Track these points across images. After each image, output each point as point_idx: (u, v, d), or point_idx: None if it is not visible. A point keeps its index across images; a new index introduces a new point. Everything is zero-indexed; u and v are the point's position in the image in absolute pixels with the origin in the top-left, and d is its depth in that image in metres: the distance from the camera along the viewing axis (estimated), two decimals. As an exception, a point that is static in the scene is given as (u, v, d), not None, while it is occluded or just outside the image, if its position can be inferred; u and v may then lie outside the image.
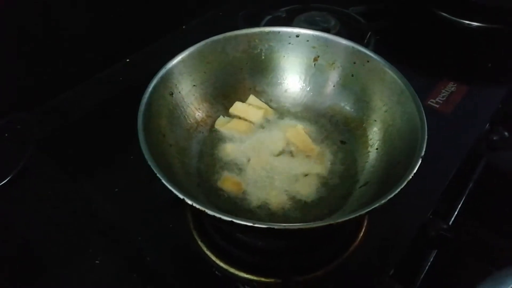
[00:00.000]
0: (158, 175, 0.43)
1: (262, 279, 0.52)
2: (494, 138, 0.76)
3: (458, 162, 0.66)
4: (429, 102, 0.75)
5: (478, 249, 0.74)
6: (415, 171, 0.43)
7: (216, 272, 0.53)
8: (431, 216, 0.61)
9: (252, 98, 0.64)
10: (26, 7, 0.68)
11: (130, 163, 0.62)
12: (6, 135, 0.70)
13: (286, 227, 0.39)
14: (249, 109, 0.63)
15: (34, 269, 0.55)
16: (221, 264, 0.53)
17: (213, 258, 0.53)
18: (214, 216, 0.39)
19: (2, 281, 0.54)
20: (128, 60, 0.86)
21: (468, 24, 0.89)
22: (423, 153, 0.44)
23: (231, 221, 0.39)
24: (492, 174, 0.77)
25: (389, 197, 0.41)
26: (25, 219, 0.60)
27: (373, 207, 0.40)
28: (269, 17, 0.89)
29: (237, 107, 0.63)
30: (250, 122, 0.62)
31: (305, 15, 0.85)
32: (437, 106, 0.75)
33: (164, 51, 0.83)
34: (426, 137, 0.46)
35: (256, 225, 0.38)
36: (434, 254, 0.65)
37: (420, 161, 0.44)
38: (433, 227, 0.61)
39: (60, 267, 0.55)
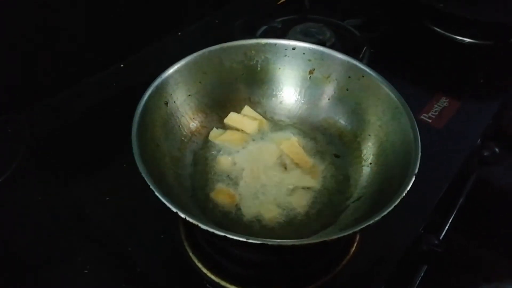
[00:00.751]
0: (151, 187, 0.42)
1: (253, 292, 0.52)
2: (485, 153, 0.77)
3: (450, 177, 0.66)
4: (422, 117, 0.76)
5: (469, 264, 0.75)
6: (408, 188, 0.43)
7: (208, 286, 0.53)
8: (422, 231, 0.61)
9: (247, 109, 0.64)
10: (21, 8, 0.67)
11: (123, 170, 0.62)
12: (-4, 138, 0.69)
13: (280, 243, 0.39)
14: (244, 120, 0.63)
15: (20, 276, 0.54)
16: (213, 277, 0.52)
17: (204, 270, 0.53)
18: (207, 230, 0.39)
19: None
20: (122, 64, 0.85)
21: (461, 40, 0.90)
22: (416, 171, 0.45)
23: (225, 236, 0.38)
24: (483, 189, 0.78)
25: (382, 215, 0.41)
26: (14, 223, 0.59)
27: (366, 224, 0.40)
28: (265, 27, 0.89)
29: (232, 118, 0.63)
30: (245, 133, 0.62)
31: (301, 27, 0.85)
32: (430, 120, 0.75)
33: (159, 56, 0.83)
34: (419, 154, 0.47)
35: (249, 241, 0.38)
36: (425, 269, 0.65)
37: (413, 179, 0.44)
38: (424, 242, 0.61)
39: (48, 275, 0.54)
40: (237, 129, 0.62)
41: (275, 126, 0.64)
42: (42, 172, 0.65)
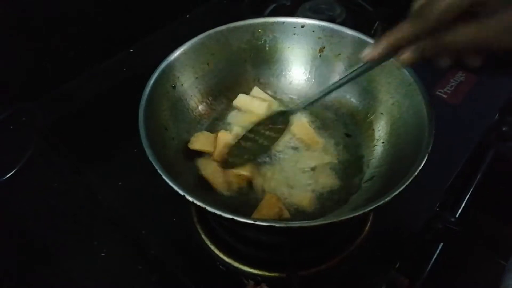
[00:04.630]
0: (158, 170, 0.42)
1: (266, 273, 0.52)
2: (504, 128, 0.75)
3: (466, 154, 0.65)
4: (437, 92, 0.73)
5: (486, 241, 0.74)
6: (421, 167, 0.42)
7: (220, 266, 0.53)
8: (438, 209, 0.60)
9: (256, 90, 0.63)
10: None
11: (134, 155, 0.61)
12: (11, 127, 0.70)
13: (287, 225, 0.39)
14: (253, 101, 0.62)
15: (39, 260, 0.56)
16: (225, 258, 0.53)
17: (217, 252, 0.53)
18: (214, 213, 0.39)
19: (8, 271, 0.55)
20: (131, 49, 0.85)
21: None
22: (429, 149, 0.44)
23: (232, 218, 0.38)
24: (501, 165, 0.76)
25: (393, 194, 0.40)
26: (31, 210, 0.60)
27: (377, 204, 0.39)
28: (273, 5, 0.87)
29: (241, 100, 0.62)
30: (255, 114, 0.61)
31: (310, 3, 0.83)
32: (445, 96, 0.73)
33: (168, 40, 0.82)
34: (433, 132, 0.45)
35: (257, 223, 0.38)
36: (440, 247, 0.65)
37: (426, 158, 0.43)
38: (440, 220, 0.60)
39: (66, 258, 0.56)
40: (247, 111, 0.62)
41: (285, 107, 0.63)
42: (56, 159, 0.66)
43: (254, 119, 0.58)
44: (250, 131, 0.56)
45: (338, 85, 0.52)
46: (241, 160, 0.54)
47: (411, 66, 0.49)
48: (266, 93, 0.64)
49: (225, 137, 0.56)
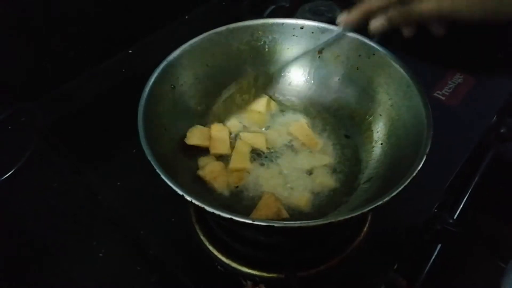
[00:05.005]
0: (157, 170, 0.42)
1: (265, 274, 0.52)
2: (502, 130, 0.75)
3: (465, 155, 0.65)
4: (435, 94, 0.73)
5: (484, 242, 0.74)
6: (419, 168, 0.42)
7: (219, 267, 0.53)
8: (436, 210, 0.60)
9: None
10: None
11: (134, 155, 0.62)
12: (10, 127, 0.70)
13: (286, 225, 0.39)
14: None
15: (37, 260, 0.56)
16: (223, 258, 0.53)
17: (215, 252, 0.54)
18: (213, 212, 0.39)
19: (7, 271, 0.55)
20: (131, 50, 0.85)
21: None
22: (427, 151, 0.44)
23: (230, 218, 0.39)
24: (499, 166, 0.76)
25: (392, 195, 0.40)
26: (30, 210, 0.60)
27: (375, 205, 0.40)
28: (273, 6, 0.87)
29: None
30: (258, 112, 0.62)
31: (310, 5, 0.83)
32: (443, 98, 0.73)
33: (167, 40, 0.82)
34: (431, 133, 0.45)
35: (255, 223, 0.38)
36: (438, 248, 0.65)
37: (424, 159, 0.43)
38: (438, 221, 0.60)
39: (65, 258, 0.56)
40: (248, 110, 0.62)
41: (284, 108, 0.63)
42: (55, 160, 0.66)
43: (255, 116, 0.59)
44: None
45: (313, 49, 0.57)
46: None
47: (380, 34, 0.54)
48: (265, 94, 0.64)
49: (219, 129, 0.58)
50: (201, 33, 0.59)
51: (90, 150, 0.68)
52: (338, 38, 0.55)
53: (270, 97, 0.64)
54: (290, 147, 0.59)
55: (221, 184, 0.54)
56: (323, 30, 0.60)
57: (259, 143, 0.58)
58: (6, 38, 0.68)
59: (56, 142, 0.68)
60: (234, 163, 0.55)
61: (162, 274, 0.54)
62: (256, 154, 0.58)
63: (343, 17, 0.55)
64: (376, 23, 0.52)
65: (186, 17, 0.93)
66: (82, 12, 0.76)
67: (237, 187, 0.54)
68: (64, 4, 0.72)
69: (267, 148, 0.58)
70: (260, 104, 0.62)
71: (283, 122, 0.61)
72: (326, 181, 0.54)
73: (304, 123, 0.60)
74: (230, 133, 0.59)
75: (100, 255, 0.55)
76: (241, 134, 0.59)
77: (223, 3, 0.97)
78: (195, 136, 0.57)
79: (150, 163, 0.43)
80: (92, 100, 0.75)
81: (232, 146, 0.58)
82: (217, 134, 0.58)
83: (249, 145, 0.57)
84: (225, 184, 0.54)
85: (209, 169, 0.54)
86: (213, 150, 0.57)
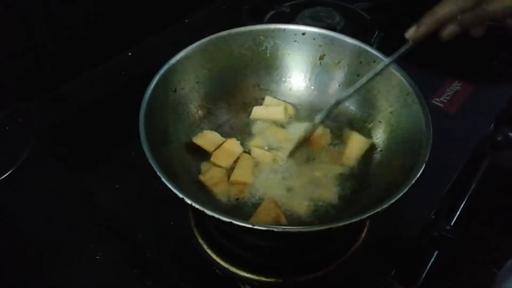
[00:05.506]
0: (158, 173, 0.42)
1: (263, 278, 0.52)
2: (498, 138, 0.75)
3: (462, 162, 0.65)
4: (433, 101, 0.74)
5: (481, 249, 0.74)
6: (418, 176, 0.43)
7: (217, 271, 0.53)
8: (433, 217, 0.61)
9: (268, 99, 0.64)
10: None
11: (132, 158, 0.61)
12: (7, 128, 0.70)
13: (285, 229, 0.39)
14: (268, 109, 0.62)
15: (34, 262, 0.55)
16: (222, 262, 0.53)
17: (214, 256, 0.53)
18: (213, 216, 0.39)
19: (1, 273, 0.55)
20: (130, 53, 0.85)
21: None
22: (427, 159, 0.44)
23: (230, 222, 0.39)
24: (495, 174, 0.77)
25: (390, 202, 0.40)
26: (27, 212, 0.60)
27: (374, 211, 0.40)
28: (272, 12, 0.88)
29: (257, 112, 0.63)
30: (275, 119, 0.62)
31: (309, 11, 0.83)
32: (442, 105, 0.74)
33: (167, 44, 0.83)
34: (431, 142, 0.46)
35: (255, 227, 0.38)
36: (435, 255, 0.65)
37: (424, 167, 0.43)
38: (435, 227, 0.61)
39: (60, 261, 0.55)
40: (266, 120, 0.62)
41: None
42: (52, 161, 0.66)
43: (274, 126, 0.60)
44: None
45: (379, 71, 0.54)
46: None
47: (452, 40, 0.51)
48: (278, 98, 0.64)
49: (233, 145, 0.58)
50: (201, 37, 0.59)
51: (88, 152, 0.67)
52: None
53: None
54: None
55: (221, 191, 0.54)
56: (325, 36, 0.60)
57: (266, 161, 0.58)
58: (5, 38, 0.68)
59: (53, 143, 0.68)
60: (236, 176, 0.55)
61: (159, 278, 0.53)
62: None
63: (413, 32, 0.51)
64: (450, 30, 0.49)
65: (186, 20, 0.93)
66: (82, 13, 0.76)
67: (238, 199, 0.54)
68: (64, 5, 0.72)
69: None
70: (279, 112, 0.62)
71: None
72: (326, 188, 0.55)
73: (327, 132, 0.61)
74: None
75: (97, 257, 0.55)
76: (252, 148, 0.59)
77: (223, 7, 0.97)
78: (203, 138, 0.57)
79: (150, 166, 0.43)
80: (90, 102, 0.75)
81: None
82: (228, 148, 0.57)
83: (254, 159, 0.57)
84: (225, 192, 0.54)
85: (210, 174, 0.54)
86: (213, 159, 0.56)
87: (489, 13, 0.47)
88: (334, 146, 0.59)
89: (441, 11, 0.49)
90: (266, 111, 0.62)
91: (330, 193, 0.54)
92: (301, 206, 0.53)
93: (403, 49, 0.52)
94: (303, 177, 0.56)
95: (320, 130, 0.60)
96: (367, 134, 0.58)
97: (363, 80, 0.54)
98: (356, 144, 0.57)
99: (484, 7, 0.47)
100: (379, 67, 0.54)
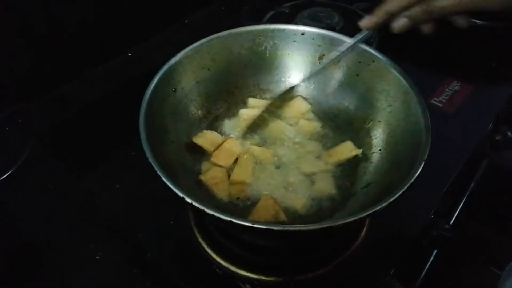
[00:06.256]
0: (158, 172, 0.42)
1: (263, 277, 0.52)
2: (497, 138, 0.76)
3: (461, 162, 0.66)
4: (432, 101, 0.74)
5: (479, 249, 0.75)
6: (417, 174, 0.43)
7: (217, 270, 0.53)
8: (432, 216, 0.61)
9: (252, 101, 0.64)
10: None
11: (132, 158, 0.62)
12: (7, 128, 0.70)
13: (285, 228, 0.39)
14: (253, 111, 0.62)
15: (34, 262, 0.56)
16: (222, 262, 0.53)
17: (214, 255, 0.54)
18: (213, 215, 0.39)
19: (2, 274, 0.55)
20: (130, 53, 0.85)
21: (473, 22, 0.88)
22: (426, 157, 0.44)
23: (230, 220, 0.39)
24: (494, 173, 0.77)
25: (389, 201, 0.40)
26: (27, 212, 0.60)
27: (373, 210, 0.40)
28: (272, 12, 0.88)
29: (243, 113, 0.62)
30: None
31: (309, 11, 0.84)
32: (441, 105, 0.74)
33: (166, 44, 0.83)
34: (429, 141, 0.46)
35: (255, 226, 0.38)
36: (435, 254, 0.65)
37: (422, 165, 0.43)
38: (434, 227, 0.61)
39: (60, 261, 0.56)
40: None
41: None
42: (52, 161, 0.66)
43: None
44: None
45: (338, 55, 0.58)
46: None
47: (403, 33, 0.56)
48: (265, 99, 0.64)
49: (233, 144, 0.58)
50: (200, 37, 0.59)
51: (88, 152, 0.67)
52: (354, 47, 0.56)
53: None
54: (295, 150, 0.59)
55: (222, 191, 0.54)
56: (324, 37, 0.61)
57: (266, 158, 0.57)
58: (5, 39, 0.68)
59: (53, 144, 0.68)
60: (236, 175, 0.55)
61: (159, 278, 0.53)
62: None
63: (366, 21, 0.56)
64: (399, 23, 0.53)
65: (186, 21, 0.93)
66: (82, 13, 0.76)
67: (238, 198, 0.54)
68: (64, 5, 0.73)
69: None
70: (296, 107, 0.62)
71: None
72: (325, 186, 0.55)
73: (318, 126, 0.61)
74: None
75: (97, 257, 0.55)
76: (250, 147, 0.58)
77: (223, 7, 0.97)
78: (203, 138, 0.58)
79: (150, 166, 0.43)
80: (90, 102, 0.75)
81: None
82: (228, 147, 0.57)
83: (254, 158, 0.57)
84: (226, 192, 0.54)
85: (210, 174, 0.55)
86: (213, 159, 0.56)
87: (436, 9, 0.50)
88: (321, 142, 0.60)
89: (390, 3, 0.53)
90: (249, 113, 0.62)
91: (327, 188, 0.54)
92: (300, 202, 0.53)
93: (363, 33, 0.58)
94: (300, 173, 0.56)
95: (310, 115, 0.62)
96: (366, 133, 0.58)
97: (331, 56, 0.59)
98: (342, 147, 0.58)
99: (432, 3, 0.50)
100: (342, 48, 0.59)
